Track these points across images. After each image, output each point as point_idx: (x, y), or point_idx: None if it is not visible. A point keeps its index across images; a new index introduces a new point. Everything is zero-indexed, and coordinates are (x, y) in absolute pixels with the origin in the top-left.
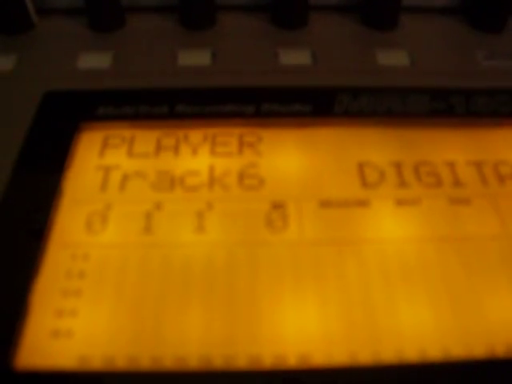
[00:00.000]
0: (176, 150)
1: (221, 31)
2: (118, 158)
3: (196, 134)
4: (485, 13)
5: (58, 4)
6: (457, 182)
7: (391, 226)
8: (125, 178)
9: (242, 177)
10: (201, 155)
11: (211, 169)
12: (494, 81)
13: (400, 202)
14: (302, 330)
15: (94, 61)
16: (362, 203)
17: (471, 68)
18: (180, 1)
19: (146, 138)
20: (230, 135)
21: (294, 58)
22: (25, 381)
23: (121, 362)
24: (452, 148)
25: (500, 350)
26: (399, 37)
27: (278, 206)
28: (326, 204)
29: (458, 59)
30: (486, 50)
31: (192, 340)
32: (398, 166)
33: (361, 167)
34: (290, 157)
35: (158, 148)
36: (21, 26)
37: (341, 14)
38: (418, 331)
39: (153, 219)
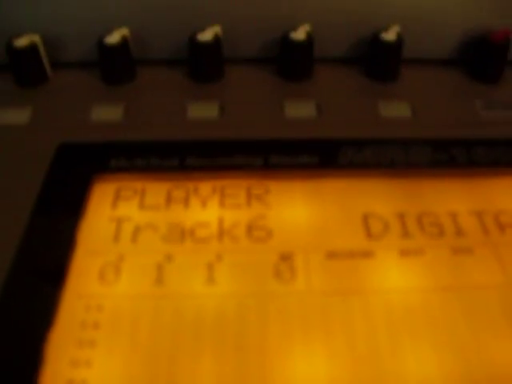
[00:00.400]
0: (186, 202)
1: (228, 84)
2: (129, 209)
3: (205, 186)
4: (482, 63)
5: (71, 57)
6: (459, 232)
7: (396, 277)
8: (137, 230)
9: (250, 228)
10: (210, 207)
11: (220, 221)
12: (493, 131)
13: (404, 253)
14: (310, 379)
15: (106, 113)
16: (367, 254)
17: (470, 118)
18: (189, 54)
19: (156, 189)
20: (238, 187)
21: (300, 110)
22: None
23: None
24: (454, 198)
25: None
26: (401, 88)
27: (285, 257)
28: (332, 255)
29: (458, 110)
30: (484, 100)
31: None
32: (402, 217)
33: (365, 218)
34: (296, 208)
35: (169, 200)
36: (36, 79)
37: (344, 65)
38: (424, 380)
39: (164, 271)
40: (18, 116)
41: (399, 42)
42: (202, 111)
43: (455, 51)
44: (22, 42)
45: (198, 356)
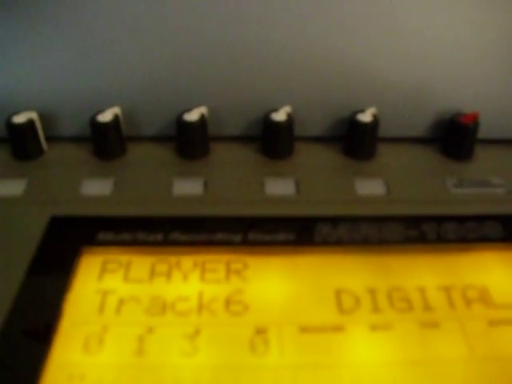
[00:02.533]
0: (168, 275)
1: (213, 161)
2: (114, 282)
3: (187, 261)
4: (453, 143)
5: (65, 133)
6: (427, 307)
7: (365, 351)
8: (121, 303)
9: (228, 303)
10: (191, 281)
11: (200, 295)
12: (463, 208)
13: (374, 327)
14: None
15: (97, 188)
16: (338, 329)
17: (442, 195)
18: (176, 132)
19: (141, 263)
20: (218, 262)
21: (279, 187)
22: None
23: None
24: (423, 273)
25: None
26: (376, 166)
27: (260, 331)
28: (305, 329)
29: (430, 187)
30: (455, 178)
31: None
32: (373, 292)
33: (338, 293)
34: (273, 283)
35: (152, 273)
36: (32, 153)
37: (323, 144)
38: None
39: (145, 342)
40: (14, 188)
41: (375, 123)
42: (187, 188)
43: (428, 130)
44: (20, 118)
45: None
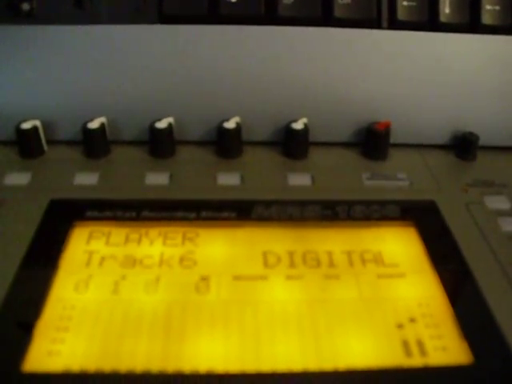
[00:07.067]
0: (139, 241)
1: (177, 159)
2: (98, 245)
3: (154, 231)
4: (370, 146)
5: (62, 137)
6: (331, 264)
7: (281, 293)
8: (102, 259)
9: (182, 260)
10: (155, 245)
11: (161, 254)
12: (371, 195)
13: (289, 277)
14: (212, 353)
15: (86, 179)
16: (262, 277)
17: (355, 186)
18: (149, 137)
19: (118, 233)
20: (177, 232)
21: (228, 179)
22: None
23: (93, 370)
24: (332, 242)
25: (342, 368)
26: (307, 164)
27: (204, 278)
28: (237, 278)
29: (347, 180)
30: (369, 173)
31: (140, 357)
32: (291, 254)
33: (265, 254)
34: (216, 247)
35: (127, 240)
36: (35, 153)
37: (266, 147)
38: (291, 357)
39: (119, 285)
40: (21, 179)
41: (306, 130)
42: (156, 179)
43: (351, 136)
44: (27, 125)
45: (137, 338)
